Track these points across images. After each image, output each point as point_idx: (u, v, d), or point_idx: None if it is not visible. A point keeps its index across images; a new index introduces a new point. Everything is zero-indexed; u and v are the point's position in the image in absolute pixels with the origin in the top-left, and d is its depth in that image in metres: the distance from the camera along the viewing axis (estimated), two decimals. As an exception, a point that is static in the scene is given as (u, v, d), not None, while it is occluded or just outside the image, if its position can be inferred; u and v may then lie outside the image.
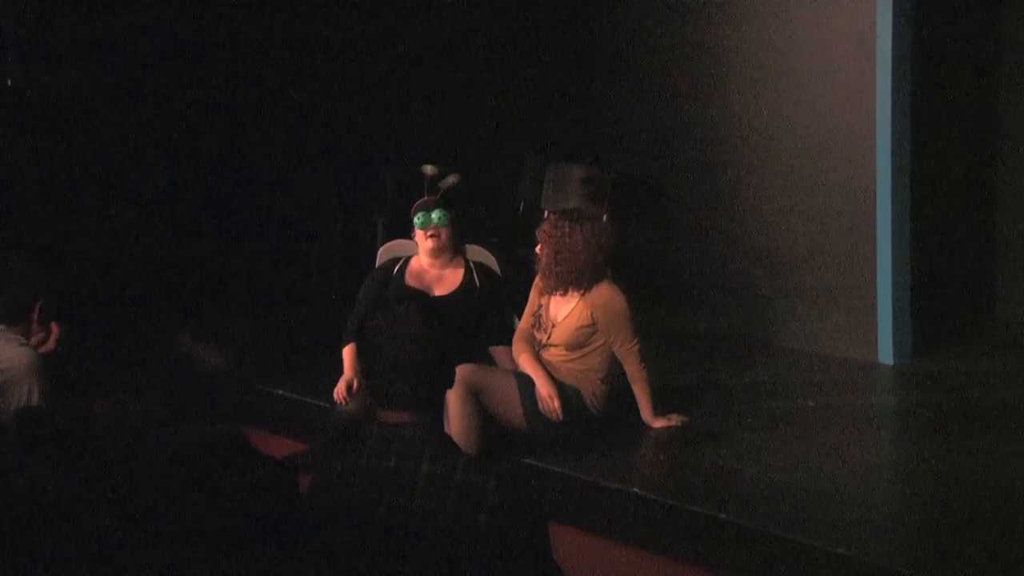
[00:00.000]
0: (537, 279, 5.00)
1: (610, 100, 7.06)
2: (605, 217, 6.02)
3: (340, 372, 4.95)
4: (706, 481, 4.47)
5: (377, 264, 5.30)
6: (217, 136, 7.66)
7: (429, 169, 5.18)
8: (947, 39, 6.64)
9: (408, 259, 5.11)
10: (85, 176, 7.10)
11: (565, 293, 4.83)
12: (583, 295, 4.81)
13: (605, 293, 4.80)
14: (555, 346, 4.85)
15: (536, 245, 4.91)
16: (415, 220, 5.02)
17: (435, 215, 4.99)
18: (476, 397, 4.62)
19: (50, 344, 4.04)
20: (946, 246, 6.87)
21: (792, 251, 6.38)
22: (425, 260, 5.06)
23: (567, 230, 4.80)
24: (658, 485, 4.50)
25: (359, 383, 4.79)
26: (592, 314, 4.78)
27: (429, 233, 4.99)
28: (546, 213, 6.43)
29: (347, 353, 4.95)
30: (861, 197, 6.04)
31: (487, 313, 5.02)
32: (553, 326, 4.86)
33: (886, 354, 6.05)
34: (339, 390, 4.85)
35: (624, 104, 7.00)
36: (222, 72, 7.66)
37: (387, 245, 5.41)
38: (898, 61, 5.86)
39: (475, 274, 5.05)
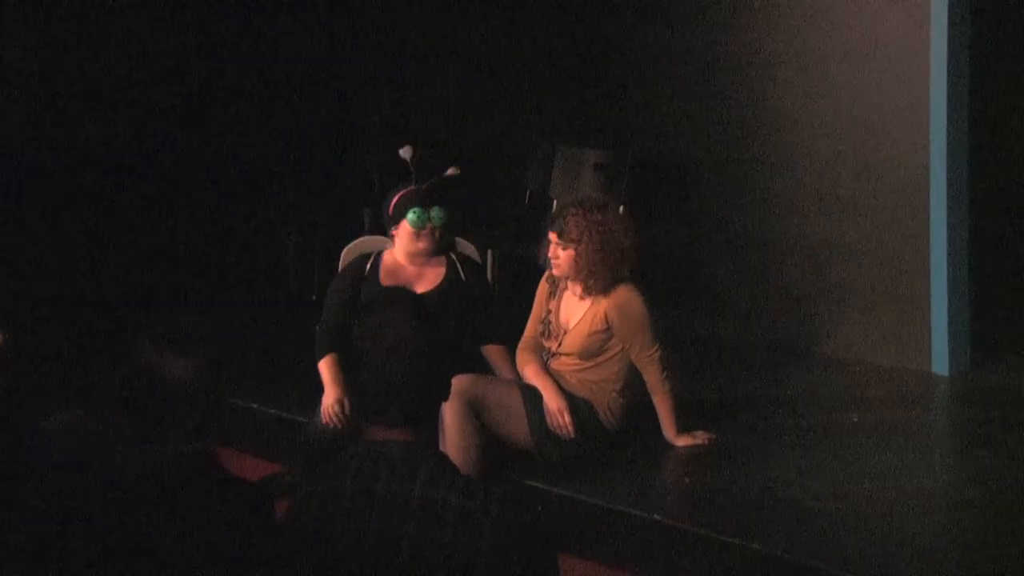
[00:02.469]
0: (543, 281, 5.00)
1: (628, 75, 7.06)
2: (622, 208, 6.02)
3: (321, 383, 4.96)
4: (736, 507, 4.48)
5: (341, 266, 5.27)
6: (181, 121, 7.67)
7: (406, 151, 4.96)
8: (1009, 3, 6.64)
9: (379, 254, 5.06)
10: (31, 165, 7.12)
11: (606, 296, 4.79)
12: (596, 297, 4.81)
13: (621, 294, 4.80)
14: (566, 355, 4.86)
15: (546, 241, 4.88)
16: (408, 216, 4.90)
17: (434, 213, 4.92)
18: (475, 411, 4.63)
19: (-7, 352, 4.05)
20: (1010, 240, 6.87)
21: (835, 247, 6.38)
22: (403, 257, 5.02)
23: (599, 218, 4.77)
24: (682, 511, 4.51)
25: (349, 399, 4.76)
26: (607, 317, 4.79)
27: (424, 233, 4.95)
28: (554, 205, 6.44)
29: (325, 367, 4.88)
30: (913, 186, 6.04)
31: (475, 309, 4.99)
32: (564, 332, 4.86)
33: (941, 364, 6.05)
34: (328, 409, 4.80)
35: (644, 79, 7.00)
36: (187, 55, 7.68)
37: (352, 244, 5.39)
38: (955, 30, 5.86)
39: (460, 267, 5.03)
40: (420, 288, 4.90)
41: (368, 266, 5.02)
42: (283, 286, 7.69)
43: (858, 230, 6.29)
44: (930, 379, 6.03)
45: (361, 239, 5.30)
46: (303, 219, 7.73)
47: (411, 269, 4.99)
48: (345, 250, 5.38)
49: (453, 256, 5.04)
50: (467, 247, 5.22)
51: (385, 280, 4.95)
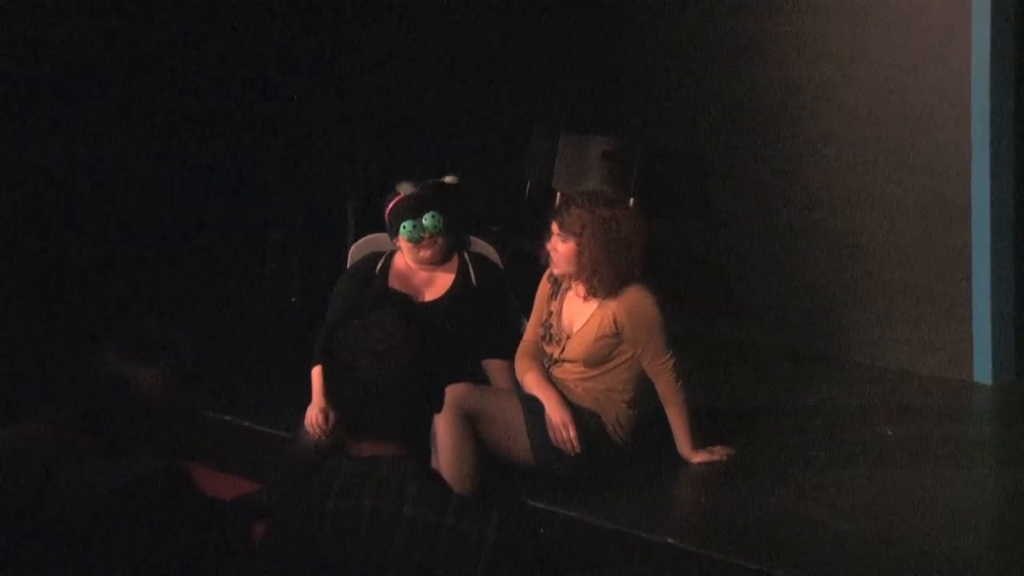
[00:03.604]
0: (544, 279, 5.02)
1: (638, 55, 7.07)
2: (631, 201, 6.04)
3: (304, 394, 4.98)
4: (757, 529, 4.49)
5: (350, 263, 5.31)
6: (148, 103, 7.69)
7: (405, 188, 5.02)
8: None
9: (391, 255, 5.13)
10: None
11: (614, 297, 4.80)
12: (603, 298, 4.82)
13: (632, 295, 4.81)
14: (570, 361, 4.87)
15: (549, 238, 4.89)
16: (401, 229, 4.97)
17: (427, 221, 4.97)
18: (471, 424, 4.64)
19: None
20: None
21: (867, 244, 6.39)
22: (412, 263, 5.08)
23: (607, 213, 4.78)
24: (698, 534, 4.51)
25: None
26: (616, 321, 4.79)
27: (423, 243, 4.99)
28: (557, 198, 6.44)
29: (317, 375, 4.96)
30: (953, 177, 6.04)
31: (486, 318, 5.02)
32: (568, 337, 4.87)
33: (983, 372, 6.06)
34: (311, 418, 4.86)
35: (656, 60, 7.01)
36: (161, 47, 7.70)
37: (363, 241, 5.42)
38: (998, 5, 5.87)
39: (471, 270, 5.06)
40: (428, 296, 5.01)
41: (378, 267, 5.09)
42: (260, 287, 7.69)
43: (893, 225, 6.29)
44: (972, 388, 6.04)
45: (370, 236, 5.33)
46: (283, 214, 7.74)
47: (421, 275, 5.07)
48: (353, 247, 5.41)
49: (466, 257, 5.08)
50: (483, 246, 5.25)
51: (393, 284, 5.02)
